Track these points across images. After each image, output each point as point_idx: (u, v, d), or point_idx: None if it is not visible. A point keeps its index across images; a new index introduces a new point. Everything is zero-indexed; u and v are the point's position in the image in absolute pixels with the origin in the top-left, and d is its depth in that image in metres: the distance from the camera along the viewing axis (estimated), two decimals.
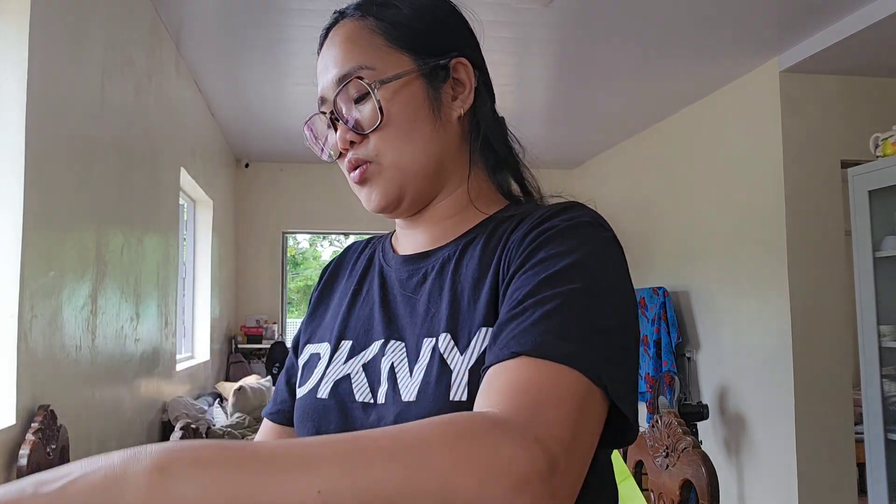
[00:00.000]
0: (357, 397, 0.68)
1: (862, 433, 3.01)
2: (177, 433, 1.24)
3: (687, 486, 1.26)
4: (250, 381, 4.30)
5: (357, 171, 0.70)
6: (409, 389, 0.63)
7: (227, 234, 5.66)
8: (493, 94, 0.77)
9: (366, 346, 0.71)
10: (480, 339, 0.61)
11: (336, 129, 0.70)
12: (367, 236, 0.88)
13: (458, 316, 0.64)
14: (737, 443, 4.02)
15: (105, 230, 2.42)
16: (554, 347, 0.52)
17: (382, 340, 0.70)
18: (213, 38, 3.48)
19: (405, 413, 0.61)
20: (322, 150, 0.75)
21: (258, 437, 0.83)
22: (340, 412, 0.68)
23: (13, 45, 1.79)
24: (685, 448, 1.28)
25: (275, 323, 6.16)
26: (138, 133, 2.87)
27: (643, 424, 4.52)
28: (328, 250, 18.04)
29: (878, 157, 2.98)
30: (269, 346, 5.82)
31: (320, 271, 0.88)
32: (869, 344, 2.95)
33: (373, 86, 0.68)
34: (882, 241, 2.96)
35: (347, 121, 0.69)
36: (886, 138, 2.95)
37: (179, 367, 3.87)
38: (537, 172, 0.82)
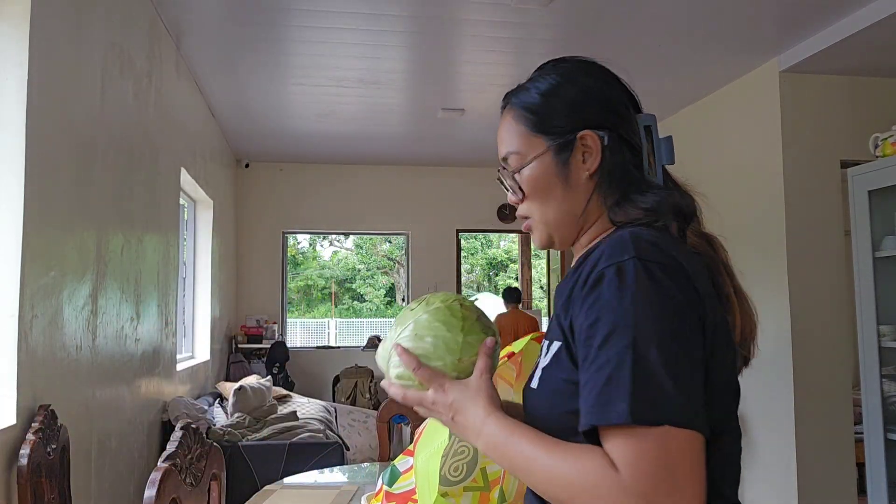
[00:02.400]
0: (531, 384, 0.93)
1: (862, 433, 3.01)
2: (177, 433, 1.25)
3: None
4: (250, 380, 4.30)
5: (525, 223, 0.95)
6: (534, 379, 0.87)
7: (227, 234, 5.66)
8: (634, 143, 0.91)
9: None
10: (553, 350, 0.82)
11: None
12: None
13: (551, 328, 0.85)
14: None
15: (105, 230, 2.43)
16: (641, 413, 0.65)
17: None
18: (213, 38, 3.49)
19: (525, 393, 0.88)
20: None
21: None
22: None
23: (13, 45, 1.80)
24: None
25: (275, 323, 6.17)
26: (138, 133, 2.87)
27: None
28: (328, 250, 18.04)
29: (877, 157, 2.98)
30: (269, 346, 5.83)
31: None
32: (868, 344, 2.95)
33: (515, 174, 0.91)
34: (882, 241, 2.96)
35: (508, 190, 0.94)
36: (886, 138, 2.95)
37: (179, 366, 3.87)
38: None
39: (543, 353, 0.86)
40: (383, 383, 0.88)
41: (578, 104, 0.92)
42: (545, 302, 10.25)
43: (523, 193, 0.91)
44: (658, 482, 0.63)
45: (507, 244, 17.79)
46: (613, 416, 0.65)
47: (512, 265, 17.65)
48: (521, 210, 0.94)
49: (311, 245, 17.77)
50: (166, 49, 3.32)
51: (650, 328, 0.69)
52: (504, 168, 0.94)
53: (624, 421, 0.65)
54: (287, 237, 6.71)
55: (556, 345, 0.81)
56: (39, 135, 1.85)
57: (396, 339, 0.86)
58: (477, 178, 6.26)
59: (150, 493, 1.10)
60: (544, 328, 7.01)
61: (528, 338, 1.39)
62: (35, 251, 1.83)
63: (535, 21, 3.22)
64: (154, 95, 3.10)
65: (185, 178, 3.89)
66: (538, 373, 0.84)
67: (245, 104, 4.53)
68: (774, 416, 3.66)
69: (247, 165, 6.22)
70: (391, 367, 0.86)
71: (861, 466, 3.23)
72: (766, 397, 3.74)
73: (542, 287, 12.17)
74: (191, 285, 4.65)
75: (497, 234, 11.48)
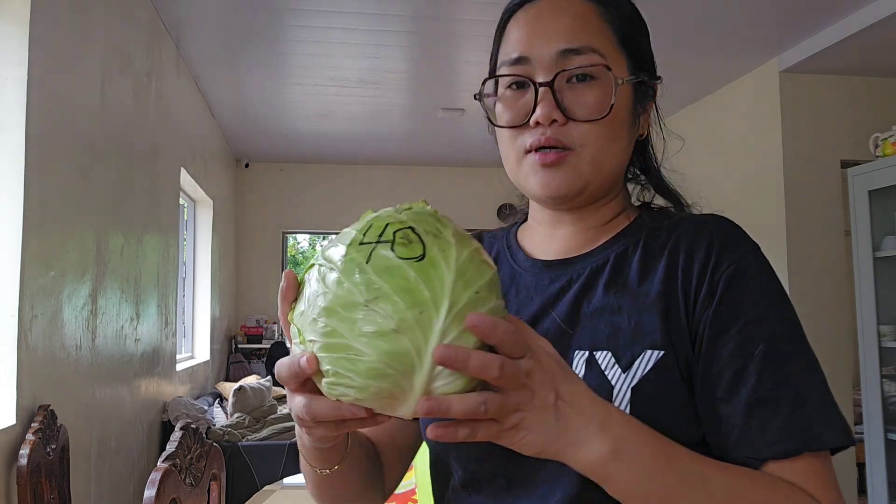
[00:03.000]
0: None
1: (862, 433, 3.01)
2: (177, 433, 1.25)
3: None
4: (250, 381, 4.30)
5: (552, 153, 0.66)
6: None
7: (227, 234, 5.66)
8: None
9: None
10: (645, 361, 0.62)
11: (537, 99, 0.66)
12: None
13: (619, 334, 0.64)
14: None
15: (105, 230, 2.42)
16: (815, 440, 0.57)
17: None
18: (213, 38, 3.48)
19: None
20: (499, 111, 0.71)
21: None
22: None
23: (13, 45, 1.79)
24: None
25: (275, 323, 6.16)
26: (138, 133, 2.87)
27: None
28: None
29: (877, 157, 2.98)
30: (269, 346, 5.83)
31: None
32: (869, 344, 2.95)
33: (618, 80, 0.67)
34: (882, 241, 2.96)
35: (569, 99, 0.66)
36: (886, 138, 2.95)
37: (179, 367, 3.87)
38: None
39: (611, 366, 0.63)
40: (425, 407, 0.45)
41: (650, 49, 0.76)
42: None
43: (607, 112, 0.66)
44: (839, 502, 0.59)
45: None
46: (817, 443, 0.57)
47: None
48: (562, 134, 0.66)
49: (311, 245, 17.77)
50: (166, 49, 3.32)
51: (801, 332, 0.62)
52: (573, 69, 0.66)
53: (830, 446, 0.57)
54: (287, 237, 6.71)
55: (655, 355, 0.62)
56: (39, 134, 1.85)
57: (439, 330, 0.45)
58: (477, 178, 6.26)
59: (149, 493, 1.10)
60: None
61: None
62: (35, 251, 1.83)
63: None
64: (154, 95, 3.10)
65: (185, 178, 3.89)
66: (621, 390, 0.61)
67: (245, 104, 4.53)
68: None
69: (247, 165, 6.21)
70: (440, 380, 0.46)
71: (861, 466, 3.23)
72: None
73: None
74: (190, 285, 4.65)
75: None
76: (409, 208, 0.52)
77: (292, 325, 0.50)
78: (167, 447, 1.21)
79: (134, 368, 2.83)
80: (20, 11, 1.81)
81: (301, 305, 0.49)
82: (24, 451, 1.69)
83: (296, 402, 0.50)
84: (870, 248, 2.96)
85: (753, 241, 0.68)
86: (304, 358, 0.47)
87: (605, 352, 0.63)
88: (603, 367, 0.63)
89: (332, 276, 0.47)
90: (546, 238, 0.75)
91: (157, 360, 3.24)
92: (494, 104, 0.72)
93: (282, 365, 0.49)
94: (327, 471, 0.64)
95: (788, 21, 3.22)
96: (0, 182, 1.76)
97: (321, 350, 0.46)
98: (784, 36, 3.40)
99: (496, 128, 0.72)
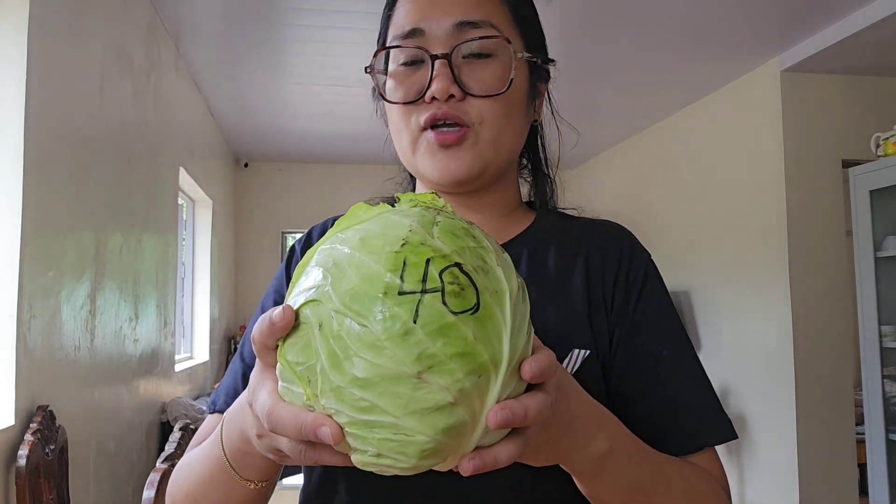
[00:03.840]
0: None
1: (863, 434, 3.00)
2: (176, 434, 1.24)
3: None
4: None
5: (452, 132, 0.63)
6: None
7: (227, 234, 5.65)
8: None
9: None
10: (574, 360, 0.62)
11: (432, 73, 0.62)
12: None
13: (547, 333, 0.60)
14: (737, 443, 4.01)
15: (104, 230, 2.42)
16: (718, 436, 0.64)
17: None
18: (213, 38, 3.48)
19: None
20: (394, 86, 0.66)
21: (203, 434, 0.71)
22: None
23: (12, 45, 1.79)
24: None
25: None
26: (137, 133, 2.86)
27: None
28: None
29: (879, 156, 2.98)
30: None
31: (294, 245, 0.78)
32: (870, 344, 2.94)
33: (517, 54, 0.63)
34: (883, 240, 2.95)
35: (466, 73, 0.62)
36: (887, 138, 2.95)
37: (178, 367, 3.86)
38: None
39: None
40: (472, 467, 0.41)
41: (543, 33, 0.72)
42: None
43: (507, 88, 0.63)
44: None
45: None
46: (721, 436, 0.64)
47: None
48: (460, 110, 0.62)
49: None
50: (165, 49, 3.31)
51: (687, 335, 0.68)
52: (468, 40, 0.62)
53: (726, 440, 0.64)
54: (287, 237, 6.70)
55: (583, 354, 0.62)
56: (38, 134, 1.84)
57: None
58: None
59: (148, 493, 1.09)
60: None
61: None
62: (33, 251, 1.82)
63: None
64: (153, 95, 3.09)
65: (184, 178, 3.88)
66: None
67: (245, 104, 4.53)
68: (775, 417, 3.65)
69: (246, 165, 6.21)
70: (487, 436, 0.41)
71: (862, 467, 3.23)
72: (767, 397, 3.74)
73: None
74: (189, 285, 4.64)
75: None
76: (420, 205, 0.45)
77: (284, 368, 0.42)
78: (166, 448, 1.21)
79: (133, 369, 2.83)
80: (19, 11, 1.80)
81: (299, 349, 0.40)
82: (23, 451, 1.68)
83: (259, 402, 0.43)
84: (871, 248, 2.95)
85: (646, 250, 0.71)
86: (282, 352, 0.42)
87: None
88: None
89: (365, 333, 0.38)
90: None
91: (156, 361, 3.23)
92: (385, 81, 0.67)
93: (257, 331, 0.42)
94: (262, 484, 0.55)
95: (789, 21, 3.21)
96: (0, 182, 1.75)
97: (354, 426, 0.39)
98: (785, 36, 3.39)
99: (389, 105, 0.67)
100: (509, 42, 0.63)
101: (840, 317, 3.56)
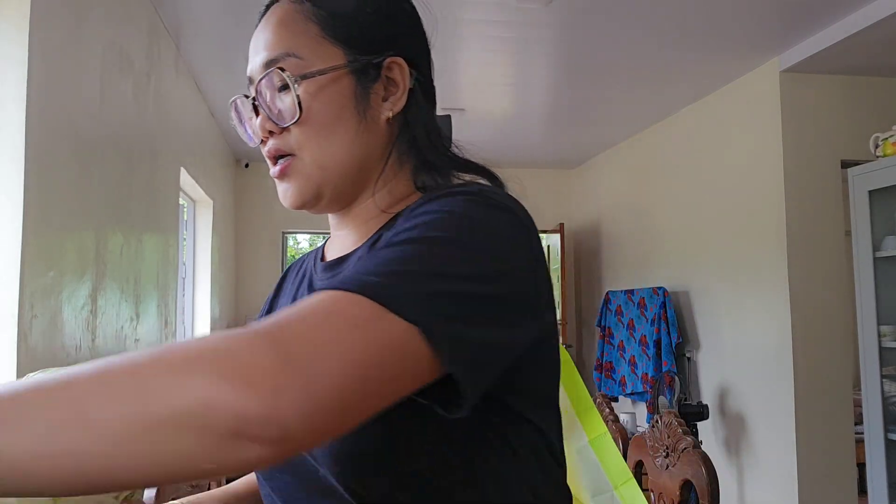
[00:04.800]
0: None
1: (862, 433, 3.01)
2: None
3: (687, 486, 1.26)
4: None
5: (279, 165, 0.68)
6: None
7: (227, 234, 5.66)
8: (434, 97, 0.75)
9: None
10: None
11: (258, 115, 0.69)
12: None
13: None
14: (737, 443, 4.02)
15: (105, 230, 2.42)
16: (355, 280, 0.49)
17: None
18: (213, 38, 3.48)
19: None
20: (247, 132, 0.73)
21: None
22: None
23: (13, 45, 1.79)
24: (685, 448, 1.28)
25: None
26: (138, 133, 2.87)
27: (643, 425, 4.52)
28: None
29: (878, 157, 2.99)
30: None
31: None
32: (869, 344, 2.95)
33: (294, 79, 0.65)
34: (882, 241, 2.96)
35: (269, 110, 0.67)
36: (887, 138, 2.95)
37: None
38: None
39: None
40: None
41: (392, 19, 0.71)
42: None
43: (299, 114, 0.65)
44: None
45: None
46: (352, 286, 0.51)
47: None
48: (281, 142, 0.67)
49: (311, 245, 17.79)
50: (166, 49, 3.32)
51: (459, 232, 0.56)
52: (263, 78, 0.67)
53: (360, 291, 0.50)
54: (287, 237, 6.70)
55: None
56: (39, 134, 1.85)
57: None
58: (476, 178, 6.25)
59: (149, 493, 1.10)
60: None
61: None
62: (34, 251, 1.83)
63: (535, 21, 3.21)
64: (153, 95, 3.10)
65: (185, 178, 3.89)
66: None
67: None
68: (774, 416, 3.66)
69: (246, 165, 6.21)
70: None
71: (861, 467, 3.24)
72: (766, 397, 3.74)
73: None
74: (190, 285, 4.65)
75: None
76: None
77: None
78: None
79: None
80: (20, 11, 1.80)
81: None
82: None
83: None
84: (870, 249, 2.96)
85: (485, 191, 0.62)
86: None
87: None
88: None
89: None
90: (335, 239, 0.76)
91: None
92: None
93: None
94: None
95: (788, 21, 3.22)
96: (0, 182, 1.76)
97: None
98: (784, 36, 3.40)
99: None
100: (283, 70, 0.65)
101: (839, 317, 3.57)
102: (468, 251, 0.55)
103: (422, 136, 0.71)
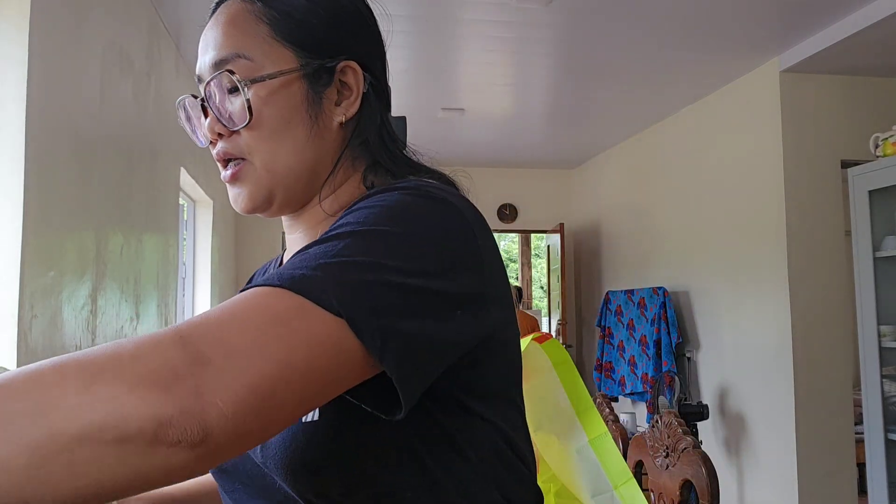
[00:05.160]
0: None
1: (862, 433, 3.01)
2: None
3: (687, 486, 1.26)
4: None
5: (229, 170, 0.66)
6: None
7: (227, 234, 5.66)
8: (388, 101, 0.73)
9: None
10: None
11: (206, 116, 0.67)
12: None
13: None
14: (737, 443, 4.02)
15: (105, 230, 2.42)
16: (280, 274, 0.48)
17: None
18: None
19: (274, 444, 0.58)
20: (195, 133, 0.71)
21: None
22: (240, 461, 0.66)
23: (13, 45, 1.79)
24: (685, 448, 1.28)
25: None
26: (138, 133, 2.87)
27: (643, 425, 4.52)
28: None
29: (878, 157, 2.99)
30: None
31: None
32: (869, 344, 2.95)
33: (244, 83, 0.63)
34: (882, 241, 2.96)
35: (218, 112, 0.65)
36: (886, 138, 2.95)
37: None
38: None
39: None
40: None
41: (343, 23, 0.69)
42: (545, 302, 10.26)
43: (249, 118, 0.63)
44: None
45: (507, 244, 17.80)
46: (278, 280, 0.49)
47: (512, 264, 17.66)
48: (231, 146, 0.66)
49: None
50: (166, 49, 3.32)
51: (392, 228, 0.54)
52: (213, 79, 0.64)
53: (282, 284, 0.48)
54: (287, 237, 6.70)
55: None
56: (39, 135, 1.85)
57: None
58: (477, 178, 6.23)
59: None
60: (545, 329, 7.00)
61: (528, 338, 1.38)
62: (34, 251, 1.83)
63: (535, 21, 3.21)
64: (154, 95, 3.10)
65: (185, 178, 3.89)
66: None
67: None
68: (774, 416, 3.66)
69: None
70: None
71: (861, 466, 3.24)
72: (766, 397, 3.74)
73: (542, 287, 12.18)
74: (190, 285, 4.65)
75: (497, 234, 11.47)
76: None
77: None
78: None
79: None
80: (20, 11, 1.80)
81: None
82: None
83: None
84: (870, 249, 2.96)
85: (422, 186, 0.60)
86: None
87: None
88: None
89: None
90: (290, 242, 0.75)
91: None
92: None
93: None
94: None
95: (788, 21, 3.22)
96: (0, 182, 1.76)
97: None
98: (784, 36, 3.40)
99: None
100: (232, 73, 0.63)
101: (839, 317, 3.57)
102: (401, 242, 0.53)
103: (374, 140, 0.69)
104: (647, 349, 4.67)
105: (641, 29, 3.27)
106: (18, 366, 1.74)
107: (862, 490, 3.48)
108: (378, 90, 0.70)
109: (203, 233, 4.79)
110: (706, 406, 3.94)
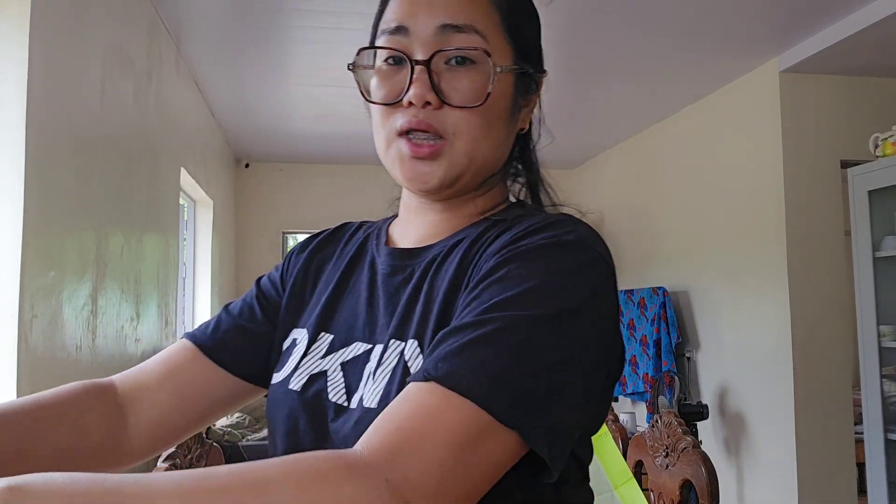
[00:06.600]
0: (331, 396, 0.65)
1: (862, 433, 3.01)
2: None
3: (687, 486, 1.26)
4: None
5: (426, 146, 0.63)
6: (373, 395, 0.61)
7: (227, 234, 5.66)
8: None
9: (347, 344, 0.68)
10: (393, 350, 0.62)
11: (411, 77, 0.62)
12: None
13: (427, 322, 0.61)
14: (737, 443, 4.02)
15: (105, 230, 2.42)
16: (462, 378, 0.49)
17: (367, 344, 0.67)
18: (213, 37, 3.48)
19: (365, 419, 0.57)
20: (381, 86, 0.66)
21: (167, 352, 0.78)
22: (311, 409, 0.66)
23: (13, 45, 1.79)
24: (685, 448, 1.28)
25: None
26: (138, 133, 2.87)
27: (643, 425, 4.52)
28: None
29: (877, 157, 2.99)
30: None
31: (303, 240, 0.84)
32: (869, 344, 2.95)
33: (497, 68, 0.62)
34: (882, 241, 2.96)
35: (440, 81, 0.62)
36: (886, 138, 2.96)
37: None
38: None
39: (384, 359, 0.62)
40: None
41: (541, 37, 0.71)
42: None
43: (484, 101, 0.62)
44: None
45: None
46: (429, 373, 0.51)
47: None
48: (437, 120, 0.62)
49: None
50: (166, 49, 3.32)
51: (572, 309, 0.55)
52: (448, 45, 0.62)
53: (470, 397, 0.50)
54: (287, 237, 6.71)
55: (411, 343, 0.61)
56: (40, 135, 1.85)
57: None
58: None
59: None
60: None
61: None
62: (35, 251, 1.83)
63: None
64: (154, 95, 3.10)
65: (185, 178, 3.89)
66: (376, 386, 0.61)
67: (245, 104, 4.53)
68: (774, 416, 3.66)
69: (247, 165, 6.21)
70: None
71: (861, 466, 3.24)
72: (766, 397, 3.74)
73: None
74: (191, 285, 4.65)
75: None
76: None
77: None
78: None
79: None
80: (20, 11, 1.80)
81: None
82: None
83: None
84: (870, 248, 2.96)
85: (581, 232, 0.60)
86: None
87: (413, 341, 0.61)
88: (408, 357, 0.60)
89: None
90: (410, 225, 0.73)
91: None
92: (371, 77, 0.67)
93: None
94: None
95: (788, 21, 3.22)
96: (0, 182, 1.76)
97: None
98: (784, 36, 3.40)
99: (369, 104, 0.68)
100: (489, 55, 0.62)
101: (839, 317, 3.57)
102: (567, 334, 0.53)
103: (531, 153, 0.73)
104: (647, 349, 4.67)
105: (641, 29, 3.27)
106: (19, 365, 1.74)
107: (862, 490, 3.48)
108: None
109: (203, 233, 4.79)
110: (706, 406, 3.94)
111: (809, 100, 3.66)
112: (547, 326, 0.52)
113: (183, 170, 3.75)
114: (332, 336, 0.70)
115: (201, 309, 4.72)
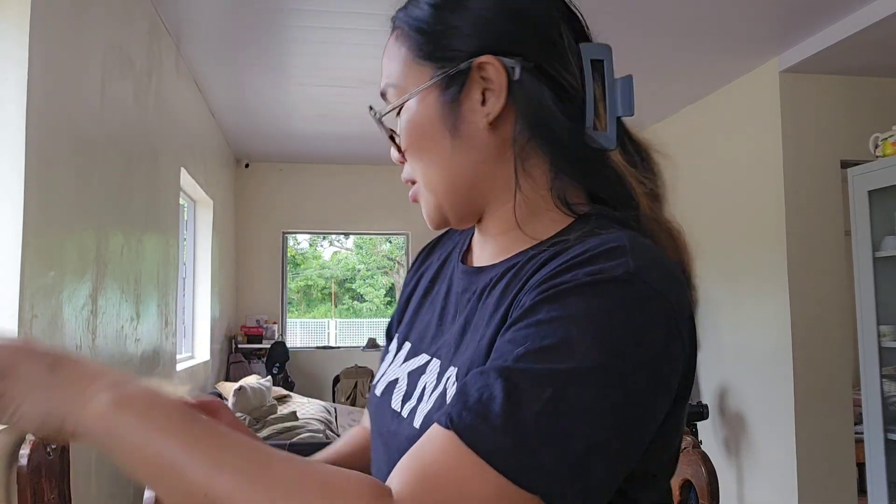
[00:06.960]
0: (393, 403, 0.68)
1: (862, 433, 3.01)
2: None
3: (687, 486, 1.26)
4: (250, 380, 4.30)
5: (413, 195, 0.69)
6: (420, 415, 0.62)
7: (227, 234, 5.66)
8: (567, 83, 0.65)
9: (417, 354, 0.71)
10: (437, 376, 0.63)
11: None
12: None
13: (468, 350, 0.61)
14: (737, 443, 4.02)
15: (105, 230, 2.42)
16: (483, 437, 0.47)
17: (429, 356, 0.68)
18: (213, 37, 3.48)
19: (413, 438, 0.56)
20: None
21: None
22: (383, 413, 0.69)
23: (13, 45, 1.79)
24: (685, 448, 1.28)
25: (275, 323, 6.16)
26: (138, 133, 2.87)
27: None
28: (328, 250, 18.03)
29: (877, 157, 2.99)
30: (269, 345, 5.82)
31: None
32: (869, 344, 2.95)
33: (384, 114, 0.67)
34: (882, 241, 2.96)
35: (392, 138, 0.68)
36: (886, 138, 2.95)
37: (179, 367, 3.87)
38: None
39: (433, 384, 0.63)
40: None
41: (486, 20, 0.63)
42: None
43: (399, 146, 0.67)
44: None
45: None
46: (449, 420, 0.50)
47: None
48: (407, 169, 0.68)
49: (311, 245, 17.78)
50: (166, 49, 3.32)
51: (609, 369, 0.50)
52: (378, 116, 0.68)
53: (491, 463, 0.48)
54: (287, 237, 6.71)
55: (453, 370, 0.62)
56: (39, 135, 1.85)
57: None
58: None
59: (149, 493, 1.10)
60: None
61: None
62: (35, 251, 1.83)
63: None
64: (154, 95, 3.10)
65: (185, 178, 3.89)
66: (425, 406, 0.61)
67: (245, 104, 4.53)
68: (774, 416, 3.66)
69: (247, 165, 6.21)
70: None
71: (861, 466, 3.24)
72: (766, 397, 3.74)
73: None
74: (191, 285, 4.65)
75: None
76: None
77: None
78: None
79: (134, 368, 2.83)
80: (20, 11, 1.80)
81: None
82: (25, 451, 1.69)
83: None
84: (870, 249, 2.96)
85: (631, 265, 0.53)
86: None
87: (454, 368, 0.61)
88: (449, 385, 0.60)
89: None
90: (477, 242, 0.73)
91: (158, 360, 3.24)
92: None
93: None
94: None
95: (788, 21, 3.22)
96: (0, 182, 1.76)
97: None
98: (784, 36, 3.40)
99: None
100: (372, 109, 0.68)
101: (839, 317, 3.57)
102: (601, 388, 0.49)
103: (537, 133, 0.62)
104: None
105: (641, 29, 3.27)
106: None
107: (862, 490, 3.47)
108: (550, 70, 0.63)
109: (203, 233, 4.79)
110: (706, 406, 3.94)
111: (809, 100, 3.66)
112: (579, 382, 0.48)
113: (183, 170, 3.75)
114: (410, 345, 0.73)
115: (201, 309, 4.72)
